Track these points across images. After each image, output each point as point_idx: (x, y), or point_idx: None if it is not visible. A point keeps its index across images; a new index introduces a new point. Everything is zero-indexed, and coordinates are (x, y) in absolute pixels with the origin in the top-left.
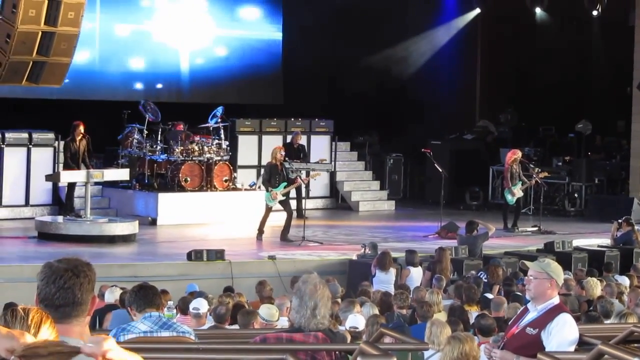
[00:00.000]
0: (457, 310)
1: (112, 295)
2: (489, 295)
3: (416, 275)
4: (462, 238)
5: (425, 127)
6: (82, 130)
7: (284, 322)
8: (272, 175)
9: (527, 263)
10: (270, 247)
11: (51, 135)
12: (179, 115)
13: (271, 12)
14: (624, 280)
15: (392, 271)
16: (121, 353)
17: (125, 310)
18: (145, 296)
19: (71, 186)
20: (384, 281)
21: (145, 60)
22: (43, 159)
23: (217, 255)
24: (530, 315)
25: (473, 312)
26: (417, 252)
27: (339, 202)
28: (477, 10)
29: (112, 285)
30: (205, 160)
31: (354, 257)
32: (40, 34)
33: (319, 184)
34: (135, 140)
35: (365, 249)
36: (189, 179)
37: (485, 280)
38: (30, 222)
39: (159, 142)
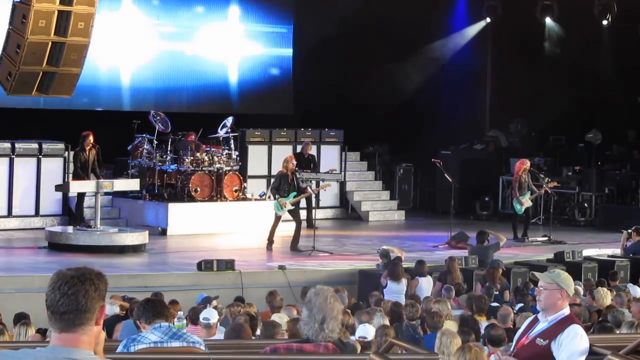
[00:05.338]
0: (468, 321)
1: (111, 308)
2: (494, 304)
3: (425, 285)
4: (473, 248)
5: (435, 137)
6: (92, 141)
7: None
8: (281, 184)
9: (537, 274)
10: (281, 257)
11: (61, 146)
12: (189, 125)
13: (282, 23)
14: (635, 291)
15: (404, 281)
16: None
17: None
18: (153, 308)
19: (81, 196)
20: (395, 292)
21: (156, 71)
22: (53, 169)
23: (227, 265)
24: (541, 326)
25: (483, 323)
26: (426, 262)
27: (349, 212)
28: (487, 20)
29: (111, 296)
30: (215, 170)
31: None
32: (50, 44)
33: (329, 194)
34: (145, 151)
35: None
36: (199, 189)
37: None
38: (41, 232)
39: (169, 152)
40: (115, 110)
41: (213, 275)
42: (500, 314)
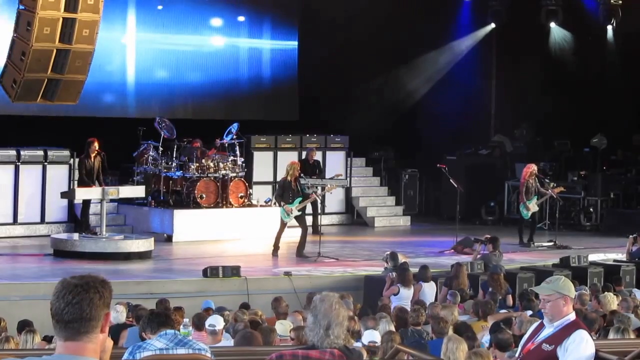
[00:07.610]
0: (462, 328)
1: (118, 315)
2: (502, 311)
3: (428, 290)
4: (486, 256)
5: (440, 143)
6: (97, 147)
7: None
8: (285, 191)
9: (536, 289)
10: (286, 263)
11: (66, 153)
12: (194, 132)
13: (287, 30)
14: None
15: (412, 287)
16: None
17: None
18: (157, 317)
19: (86, 203)
20: (406, 297)
21: (160, 76)
22: (58, 176)
23: (233, 271)
24: (547, 331)
25: (487, 327)
26: (429, 268)
27: (354, 218)
28: (492, 25)
29: (116, 303)
30: (221, 176)
31: (382, 271)
32: (55, 51)
33: (334, 200)
34: (150, 157)
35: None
36: (204, 196)
37: (490, 290)
38: (46, 239)
39: (174, 158)
40: (121, 117)
41: (219, 282)
42: (519, 320)
